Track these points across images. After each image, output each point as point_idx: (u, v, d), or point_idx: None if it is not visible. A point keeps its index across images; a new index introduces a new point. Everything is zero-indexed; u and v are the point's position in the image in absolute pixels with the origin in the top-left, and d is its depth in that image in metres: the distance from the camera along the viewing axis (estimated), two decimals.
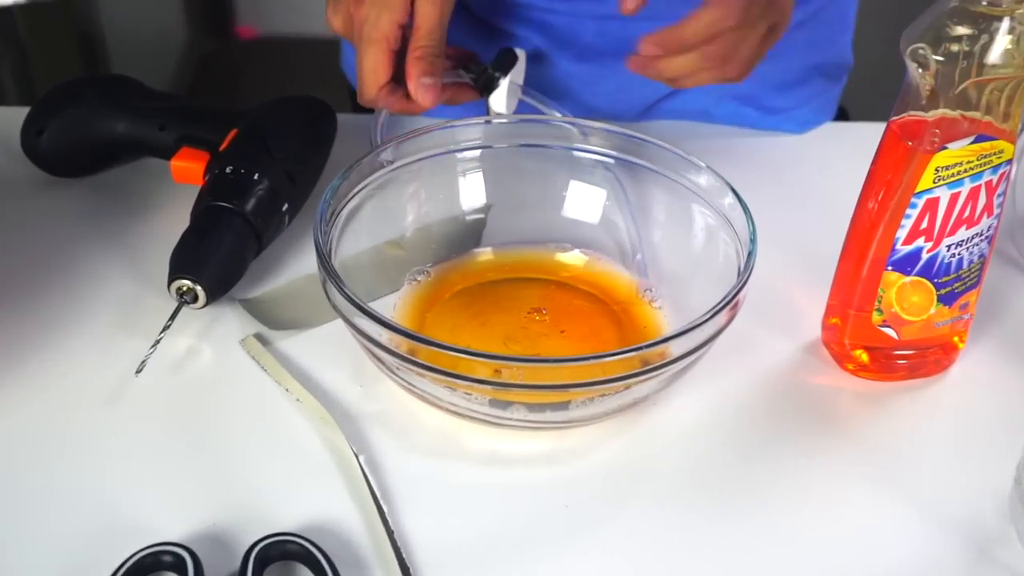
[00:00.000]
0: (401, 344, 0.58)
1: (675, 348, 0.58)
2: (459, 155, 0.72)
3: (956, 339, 0.68)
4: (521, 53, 0.81)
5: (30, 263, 0.73)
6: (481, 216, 0.73)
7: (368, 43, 0.70)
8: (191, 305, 0.68)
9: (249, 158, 0.74)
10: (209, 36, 2.23)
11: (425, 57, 0.70)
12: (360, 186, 0.68)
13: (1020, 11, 0.56)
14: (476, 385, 0.58)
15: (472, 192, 0.73)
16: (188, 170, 0.76)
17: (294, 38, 2.11)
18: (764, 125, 0.92)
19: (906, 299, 0.65)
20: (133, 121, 0.79)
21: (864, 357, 0.67)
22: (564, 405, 0.60)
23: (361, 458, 0.61)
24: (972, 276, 0.65)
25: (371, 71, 0.70)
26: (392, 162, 0.70)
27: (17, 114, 0.80)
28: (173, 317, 0.67)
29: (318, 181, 0.79)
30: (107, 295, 0.71)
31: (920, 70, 0.58)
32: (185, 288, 0.68)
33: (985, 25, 0.57)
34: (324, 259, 0.61)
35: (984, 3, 0.57)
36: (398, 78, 0.71)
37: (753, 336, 0.69)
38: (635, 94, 0.91)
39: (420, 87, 0.70)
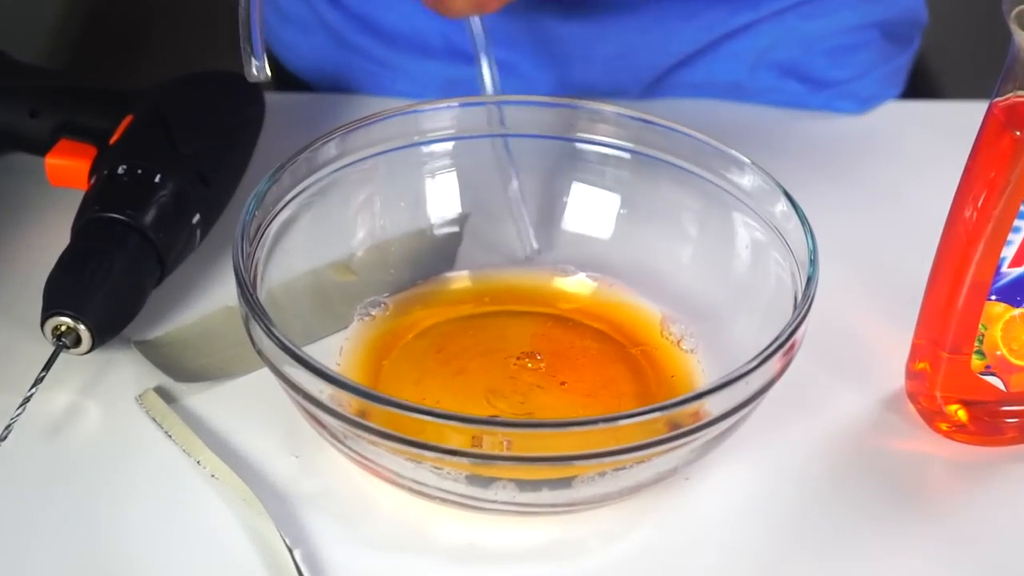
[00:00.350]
0: (349, 403, 0.58)
1: (713, 406, 0.58)
2: (425, 149, 0.73)
3: None
4: None
5: None
6: (455, 229, 0.74)
7: None
8: (72, 350, 0.69)
9: (148, 153, 0.75)
10: None
11: None
12: (295, 191, 0.69)
13: None
14: (449, 457, 0.58)
15: (443, 198, 0.74)
16: (68, 170, 0.77)
17: None
18: (813, 103, 0.93)
19: (1016, 338, 0.65)
20: None
21: (961, 414, 0.68)
22: (566, 482, 0.60)
23: (296, 553, 0.61)
24: None
25: None
26: (338, 158, 0.70)
27: None
28: (48, 366, 0.68)
29: (240, 184, 0.79)
30: None
31: None
32: (64, 328, 0.68)
33: None
34: (247, 288, 0.61)
35: None
36: None
37: (814, 387, 0.70)
38: (641, 61, 0.92)
39: None
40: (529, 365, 0.68)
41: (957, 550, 0.63)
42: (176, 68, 0.83)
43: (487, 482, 0.59)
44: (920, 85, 1.00)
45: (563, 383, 0.68)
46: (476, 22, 0.76)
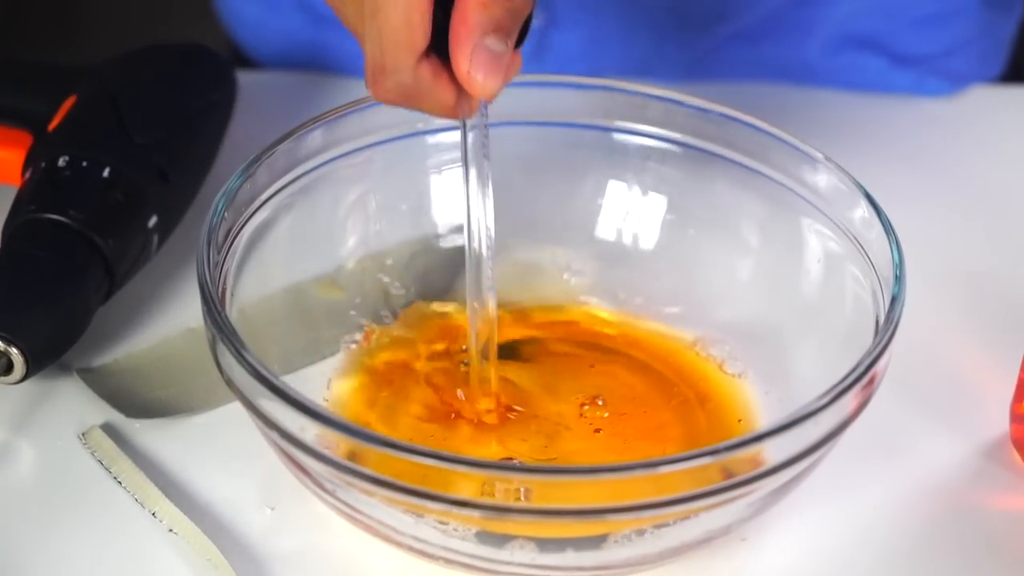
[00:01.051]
0: (337, 444, 0.59)
1: (774, 451, 0.59)
2: (431, 139, 0.75)
3: None
4: None
5: None
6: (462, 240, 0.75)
7: None
8: (2, 378, 0.70)
9: (95, 142, 0.77)
10: None
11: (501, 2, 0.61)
12: (273, 189, 0.71)
13: None
14: (456, 510, 0.59)
15: (452, 199, 0.75)
16: None
17: None
18: (898, 85, 0.95)
19: None
20: None
21: None
22: (596, 542, 0.61)
23: None
24: None
25: (401, 25, 0.61)
26: (324, 149, 0.72)
27: None
28: None
29: (205, 181, 0.82)
30: None
31: None
32: None
33: None
34: (213, 306, 0.63)
35: None
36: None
37: (899, 431, 0.72)
38: (694, 23, 0.94)
39: (481, 55, 0.61)
40: (581, 412, 0.70)
41: None
42: (128, 40, 0.86)
43: (501, 540, 0.60)
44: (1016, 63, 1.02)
45: (597, 429, 0.69)
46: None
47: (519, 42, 0.63)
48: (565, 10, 0.94)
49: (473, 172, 0.66)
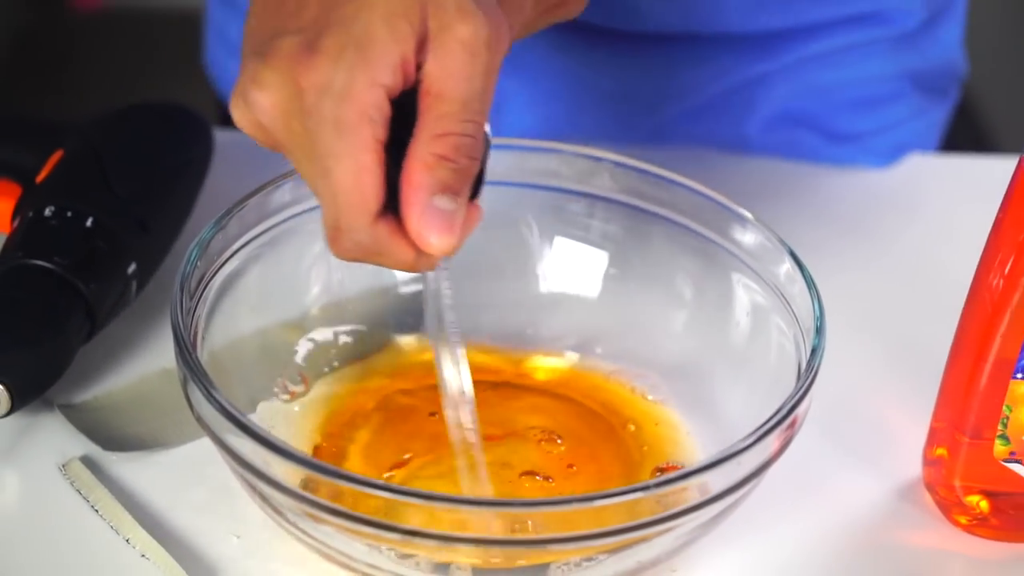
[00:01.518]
0: (296, 477, 0.60)
1: (701, 487, 0.61)
2: None
3: None
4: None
5: None
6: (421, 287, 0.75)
7: (337, 133, 0.58)
8: None
9: (80, 194, 0.78)
10: (30, 5, 2.29)
11: (454, 156, 0.59)
12: (243, 240, 0.72)
13: None
14: (405, 538, 0.60)
15: None
16: None
17: (152, 8, 2.17)
18: (833, 158, 0.97)
19: None
20: None
21: (983, 506, 0.71)
22: (538, 571, 0.62)
23: None
24: None
25: (353, 188, 0.58)
26: (292, 204, 0.73)
27: None
28: None
29: (182, 232, 0.82)
30: None
31: None
32: None
33: None
34: (186, 348, 0.64)
35: None
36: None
37: (820, 473, 0.73)
38: (639, 106, 0.96)
39: (431, 215, 0.58)
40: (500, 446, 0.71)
41: None
42: (111, 98, 0.87)
43: (445, 569, 0.62)
44: (963, 139, 1.03)
45: (532, 471, 0.70)
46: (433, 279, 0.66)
47: (475, 194, 0.61)
48: (513, 95, 0.95)
49: (435, 321, 0.64)
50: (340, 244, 0.59)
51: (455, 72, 0.58)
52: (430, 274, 0.63)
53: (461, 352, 0.64)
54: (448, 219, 0.58)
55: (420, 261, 0.60)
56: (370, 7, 0.57)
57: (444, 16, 0.57)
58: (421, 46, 0.58)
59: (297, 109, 0.58)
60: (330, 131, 0.57)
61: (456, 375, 0.64)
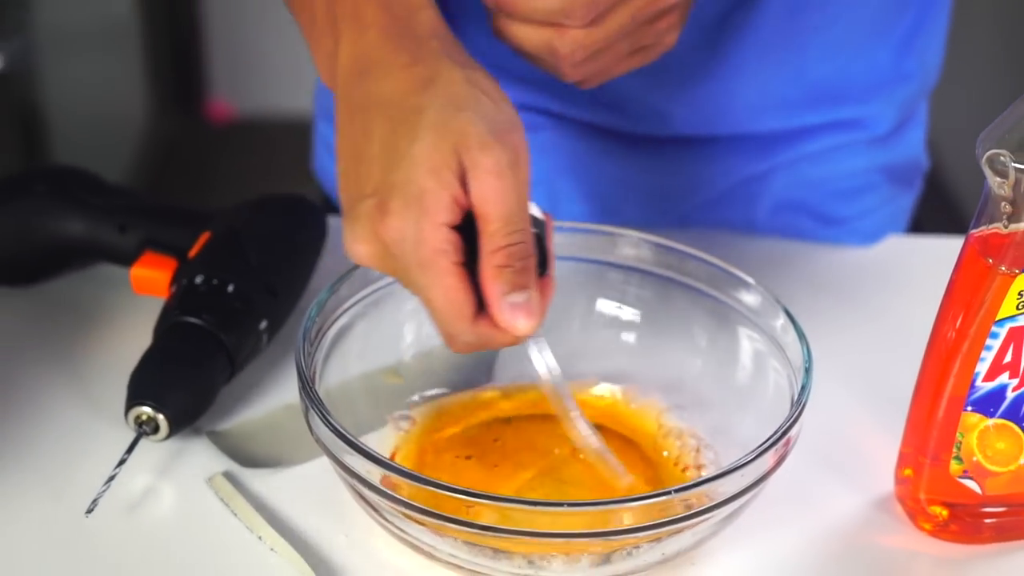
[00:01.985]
0: (391, 483, 0.64)
1: (713, 493, 0.64)
2: None
3: None
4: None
5: None
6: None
7: (421, 269, 0.61)
8: (151, 437, 0.74)
9: (223, 266, 0.80)
10: (175, 117, 2.33)
11: (510, 263, 0.62)
12: (351, 301, 0.75)
13: None
14: (466, 529, 0.63)
15: None
16: (151, 279, 0.83)
17: (276, 119, 2.20)
18: (823, 238, 0.99)
19: (989, 446, 0.70)
20: (89, 220, 0.85)
21: (944, 514, 0.72)
22: (576, 559, 0.65)
23: None
24: None
25: (447, 305, 0.62)
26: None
27: None
28: (130, 450, 0.73)
29: (303, 295, 0.85)
30: (54, 425, 0.77)
31: (999, 179, 0.65)
32: (145, 417, 0.74)
33: None
34: (307, 383, 0.67)
35: None
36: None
37: (813, 488, 0.75)
38: (669, 197, 0.98)
39: (511, 310, 0.62)
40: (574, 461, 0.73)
41: None
42: (247, 188, 0.89)
43: (506, 555, 0.65)
44: (936, 219, 1.06)
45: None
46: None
47: (544, 270, 0.65)
48: (570, 191, 0.97)
49: (548, 381, 0.67)
50: (455, 344, 0.64)
51: (490, 197, 0.61)
52: (530, 342, 0.66)
53: (571, 397, 0.69)
54: (525, 307, 0.62)
55: (519, 339, 0.64)
56: (416, 165, 0.61)
57: (471, 154, 0.61)
58: (463, 180, 0.61)
59: (388, 255, 0.62)
60: (416, 269, 0.61)
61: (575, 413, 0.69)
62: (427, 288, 0.62)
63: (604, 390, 0.79)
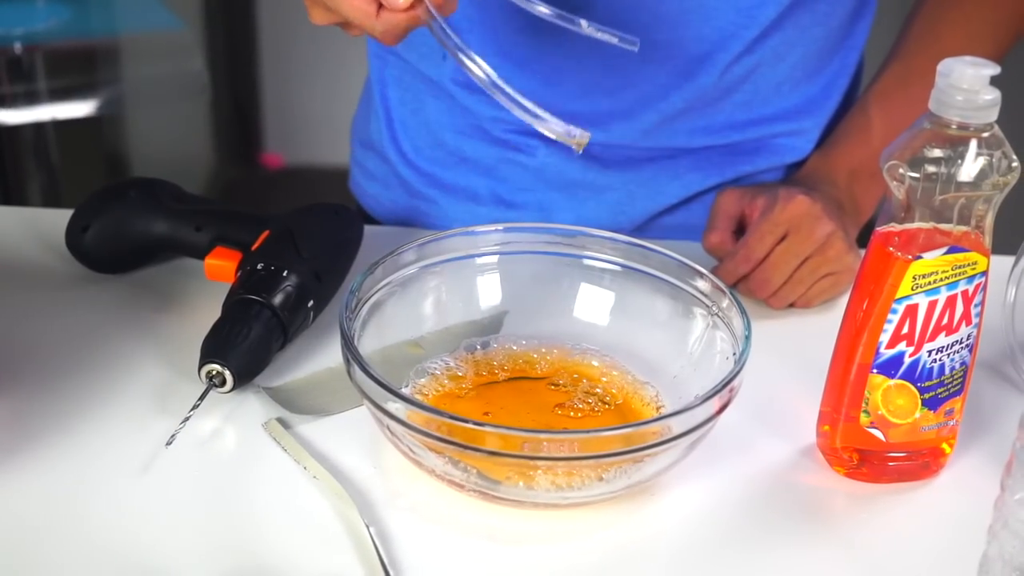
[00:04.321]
0: (418, 418, 0.67)
1: (669, 427, 0.67)
2: (478, 260, 0.82)
3: (944, 445, 0.76)
4: None
5: (71, 351, 0.83)
6: (497, 321, 0.82)
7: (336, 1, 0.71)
8: (219, 389, 0.78)
9: (279, 256, 0.83)
10: (235, 163, 2.37)
11: None
12: (384, 283, 0.78)
13: (986, 134, 0.68)
14: (472, 453, 0.66)
15: (489, 296, 0.82)
16: (221, 268, 0.86)
17: (318, 168, 2.25)
18: None
19: (891, 401, 0.73)
20: (171, 221, 0.89)
21: (855, 459, 0.76)
22: (567, 482, 0.68)
23: (372, 529, 0.69)
24: (955, 383, 0.74)
25: (355, 12, 0.71)
26: (415, 262, 0.80)
27: (60, 216, 0.92)
28: (202, 397, 0.77)
29: (343, 282, 0.88)
30: (141, 379, 0.81)
31: (896, 184, 0.69)
32: (214, 372, 0.78)
33: (955, 147, 0.68)
34: (349, 342, 0.70)
35: (954, 127, 0.68)
36: None
37: (753, 439, 0.78)
38: (637, 205, 1.00)
39: None
40: (559, 412, 0.76)
41: (850, 555, 0.70)
42: (300, 201, 0.92)
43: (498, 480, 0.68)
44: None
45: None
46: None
47: None
48: (562, 205, 0.99)
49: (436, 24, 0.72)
50: (383, 39, 0.72)
51: None
52: (433, 23, 0.72)
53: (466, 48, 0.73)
54: None
55: (415, 16, 0.71)
56: None
57: None
58: None
59: (319, 4, 0.73)
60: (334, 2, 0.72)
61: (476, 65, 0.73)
62: (340, 6, 0.71)
63: (585, 358, 0.81)
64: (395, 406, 0.68)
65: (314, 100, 2.27)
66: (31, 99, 1.76)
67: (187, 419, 0.76)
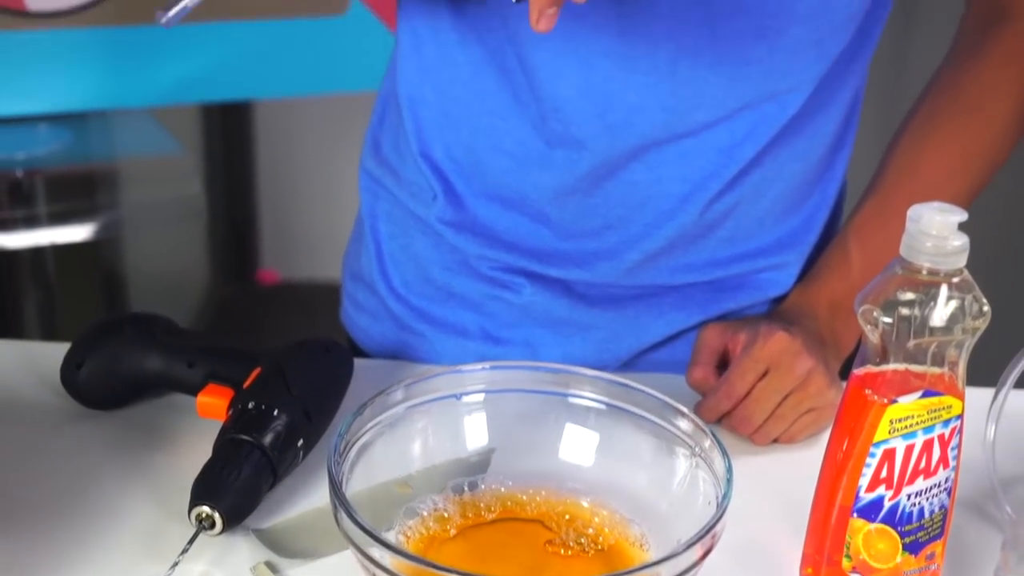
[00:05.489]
0: (405, 568, 0.66)
1: (659, 573, 0.66)
2: (465, 399, 0.81)
3: None
4: None
5: (59, 490, 0.82)
6: (484, 459, 0.82)
7: None
8: (208, 532, 0.77)
9: (270, 395, 0.83)
10: (231, 280, 2.38)
11: None
12: (372, 423, 0.78)
13: (956, 279, 0.68)
14: None
15: (476, 435, 0.82)
16: (213, 405, 0.86)
17: (313, 284, 2.26)
18: None
19: (872, 546, 0.73)
20: (165, 357, 0.89)
21: None
22: None
23: None
24: (935, 526, 0.74)
25: None
26: (403, 401, 0.79)
27: (56, 350, 0.92)
28: (192, 541, 0.76)
29: (333, 419, 0.88)
30: (130, 521, 0.80)
31: (871, 327, 0.70)
32: (204, 515, 0.77)
33: (927, 291, 0.69)
34: (337, 488, 0.70)
35: (925, 272, 0.69)
36: None
37: None
38: (622, 343, 1.01)
39: None
40: (549, 549, 0.76)
41: None
42: (288, 336, 0.92)
43: None
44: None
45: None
46: None
47: None
48: (548, 343, 0.99)
49: None
50: None
51: None
52: None
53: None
54: None
55: None
56: None
57: None
58: None
59: None
60: None
61: None
62: None
63: (573, 498, 0.81)
64: (379, 553, 0.67)
65: (311, 217, 2.29)
66: (31, 223, 1.78)
67: (176, 564, 0.75)
